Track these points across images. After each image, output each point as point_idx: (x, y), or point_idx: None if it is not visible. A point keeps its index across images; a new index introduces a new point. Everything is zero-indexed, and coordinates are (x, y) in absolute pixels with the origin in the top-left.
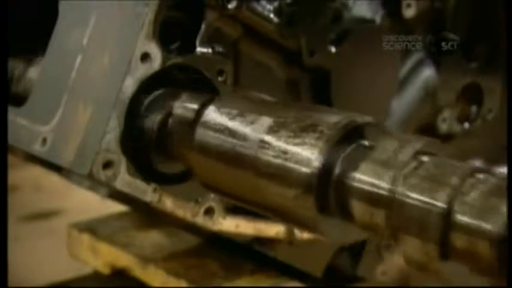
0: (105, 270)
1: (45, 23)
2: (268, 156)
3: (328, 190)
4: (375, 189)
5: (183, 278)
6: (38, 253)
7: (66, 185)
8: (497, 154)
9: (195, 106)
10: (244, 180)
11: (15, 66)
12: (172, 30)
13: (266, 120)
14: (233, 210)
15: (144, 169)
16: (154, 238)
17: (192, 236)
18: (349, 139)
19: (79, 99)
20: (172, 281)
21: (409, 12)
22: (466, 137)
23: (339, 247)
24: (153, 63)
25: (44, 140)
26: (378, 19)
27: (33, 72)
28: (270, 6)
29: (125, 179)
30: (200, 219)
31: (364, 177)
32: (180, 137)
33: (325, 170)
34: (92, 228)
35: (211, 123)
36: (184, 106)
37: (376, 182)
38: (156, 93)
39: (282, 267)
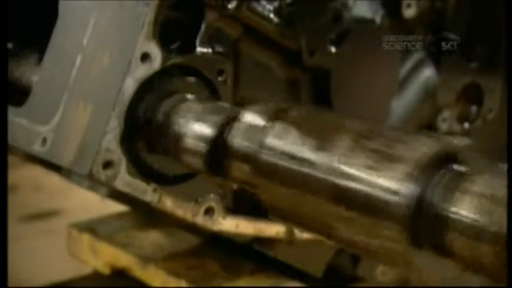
0: (105, 270)
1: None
2: (351, 185)
3: (420, 222)
4: (480, 224)
5: (183, 278)
6: (38, 253)
7: (66, 185)
8: (497, 154)
9: (258, 124)
10: (322, 211)
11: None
12: (172, 30)
13: (344, 144)
14: (233, 210)
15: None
16: (154, 238)
17: (192, 236)
18: (442, 166)
19: (79, 99)
20: (172, 281)
21: (409, 12)
22: (466, 137)
23: (339, 247)
24: (153, 63)
25: (44, 140)
26: (378, 19)
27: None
28: (270, 6)
29: (125, 179)
30: (200, 219)
31: (466, 212)
32: (238, 157)
33: (418, 200)
34: (92, 228)
35: (280, 147)
36: (245, 124)
37: (482, 218)
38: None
39: (282, 267)
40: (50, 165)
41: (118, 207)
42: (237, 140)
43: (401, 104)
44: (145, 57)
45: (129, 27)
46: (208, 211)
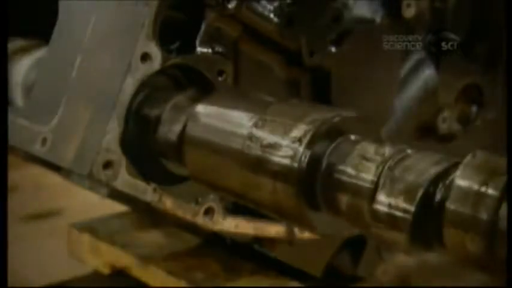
0: (105, 270)
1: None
2: None
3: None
4: None
5: (183, 278)
6: (38, 253)
7: (67, 185)
8: (497, 154)
9: (482, 189)
10: None
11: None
12: (172, 30)
13: None
14: (233, 210)
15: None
16: (154, 238)
17: (192, 236)
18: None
19: (79, 99)
20: (172, 281)
21: (409, 12)
22: (466, 137)
23: (338, 247)
24: (153, 63)
25: (44, 140)
26: (378, 19)
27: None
28: (270, 6)
29: (125, 179)
30: (200, 219)
31: None
32: (461, 227)
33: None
34: (92, 228)
35: None
36: (465, 188)
37: None
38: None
39: (282, 267)
40: (50, 165)
41: (118, 207)
42: (460, 206)
43: (401, 104)
44: (145, 57)
45: (129, 27)
46: (208, 211)
